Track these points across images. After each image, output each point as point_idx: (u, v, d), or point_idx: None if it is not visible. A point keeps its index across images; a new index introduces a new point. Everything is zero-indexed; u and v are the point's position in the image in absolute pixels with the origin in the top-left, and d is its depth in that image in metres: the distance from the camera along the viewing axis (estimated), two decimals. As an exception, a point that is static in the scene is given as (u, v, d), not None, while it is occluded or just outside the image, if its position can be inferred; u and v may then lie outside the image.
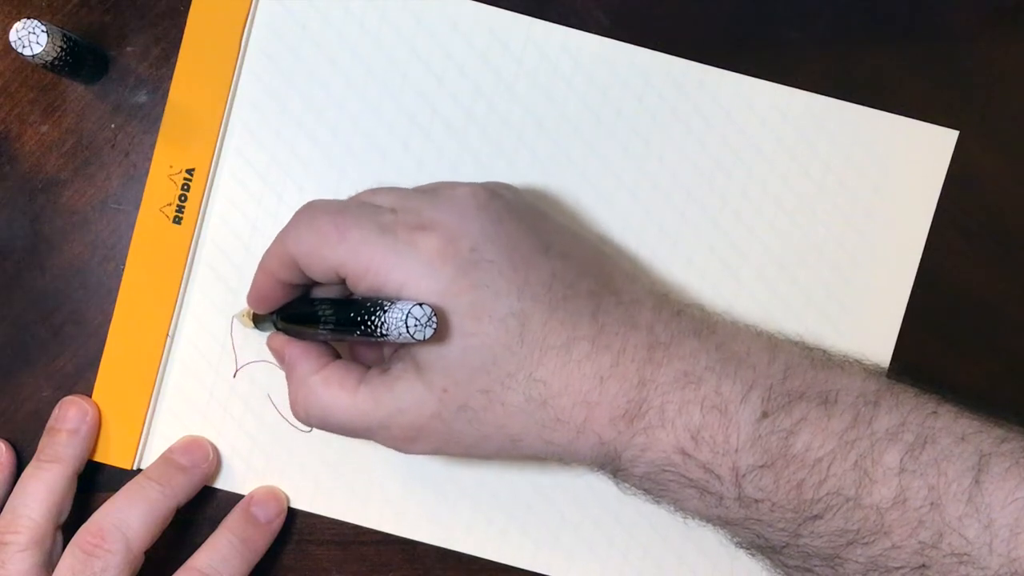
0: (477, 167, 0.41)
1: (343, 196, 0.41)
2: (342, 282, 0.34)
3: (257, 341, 0.41)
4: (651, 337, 0.34)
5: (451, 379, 0.33)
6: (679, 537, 0.42)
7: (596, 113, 0.41)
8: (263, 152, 0.41)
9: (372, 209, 0.34)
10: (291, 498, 0.42)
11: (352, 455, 0.42)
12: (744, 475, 0.33)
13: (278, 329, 0.38)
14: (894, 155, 0.42)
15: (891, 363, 0.42)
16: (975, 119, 0.42)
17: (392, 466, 0.42)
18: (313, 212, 0.34)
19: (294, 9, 0.41)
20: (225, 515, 0.41)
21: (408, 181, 0.41)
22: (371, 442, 0.41)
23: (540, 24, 0.41)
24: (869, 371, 0.35)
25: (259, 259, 0.36)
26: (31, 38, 0.36)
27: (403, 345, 0.34)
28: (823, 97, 0.41)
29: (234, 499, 0.41)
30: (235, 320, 0.41)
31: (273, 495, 0.41)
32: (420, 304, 0.31)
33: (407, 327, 0.30)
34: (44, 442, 0.40)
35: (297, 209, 0.35)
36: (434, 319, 0.31)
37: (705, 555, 0.42)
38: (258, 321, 0.40)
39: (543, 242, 0.35)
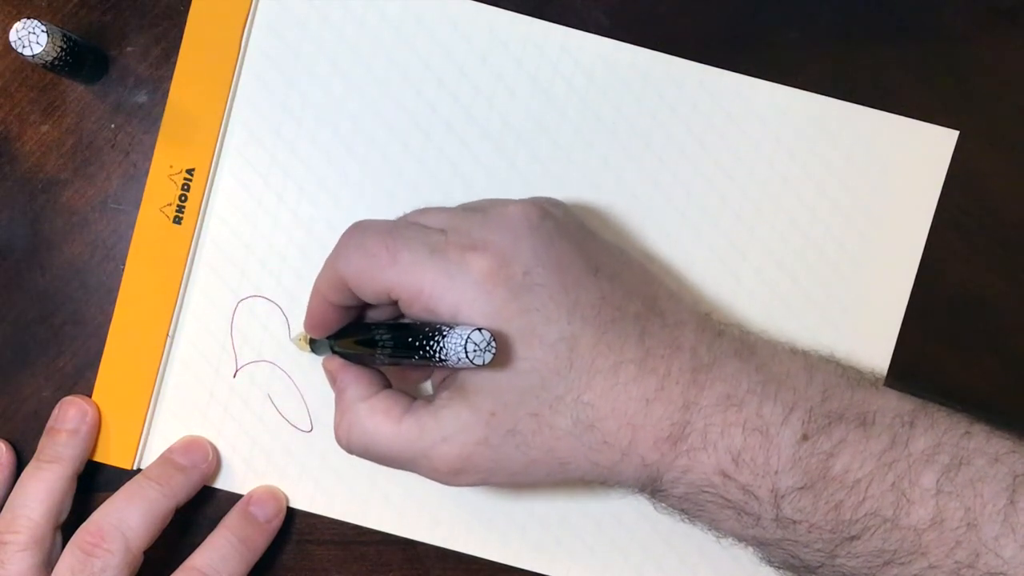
0: (477, 166, 0.41)
1: (343, 197, 0.41)
2: (394, 303, 0.34)
3: (257, 341, 0.41)
4: (695, 359, 0.34)
5: (500, 403, 0.33)
6: (680, 538, 0.42)
7: (596, 113, 0.41)
8: (263, 152, 0.41)
9: (422, 230, 0.34)
10: (291, 498, 0.42)
11: (352, 455, 0.42)
12: (783, 496, 0.33)
13: (334, 352, 0.38)
14: (894, 155, 0.42)
15: (891, 363, 0.41)
16: (975, 119, 0.42)
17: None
18: (363, 233, 0.34)
19: (294, 9, 0.41)
20: (225, 515, 0.41)
21: (408, 181, 0.41)
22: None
23: (540, 24, 0.41)
24: (901, 392, 0.36)
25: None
26: (31, 38, 0.36)
27: (459, 370, 0.34)
28: (823, 97, 0.41)
29: (234, 499, 0.41)
30: (294, 340, 0.41)
31: (272, 494, 0.41)
32: (479, 329, 0.30)
33: (466, 352, 0.30)
34: (44, 442, 0.40)
35: (345, 230, 0.35)
36: (493, 344, 0.31)
37: (706, 556, 0.42)
38: (315, 345, 0.40)
39: (592, 263, 0.35)
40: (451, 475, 0.34)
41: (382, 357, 0.34)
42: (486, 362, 0.30)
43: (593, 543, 0.42)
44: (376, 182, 0.41)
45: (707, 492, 0.34)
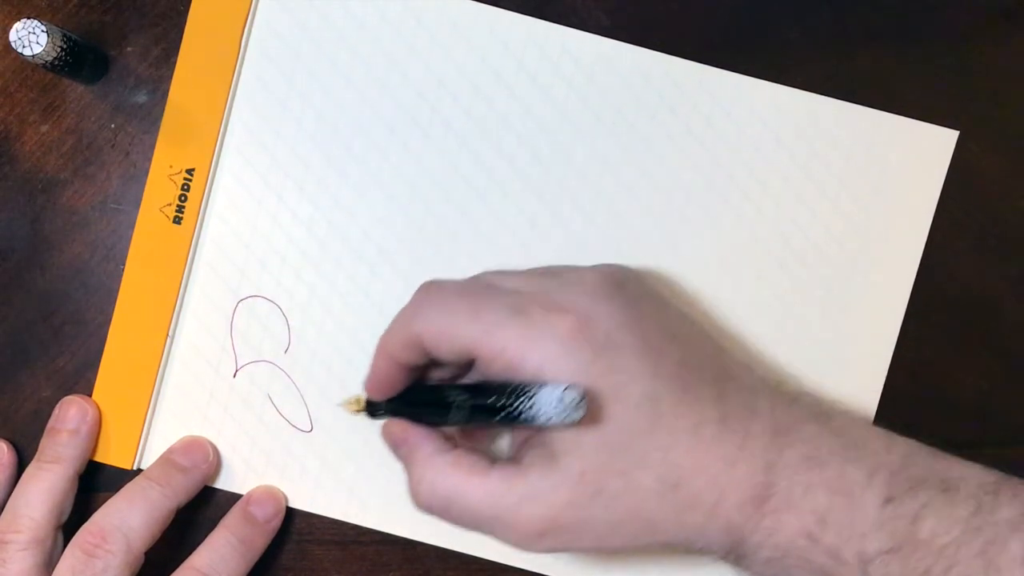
0: (477, 166, 0.41)
1: (343, 197, 0.41)
2: (467, 363, 0.34)
3: (257, 341, 0.41)
4: (773, 422, 0.34)
5: (588, 463, 0.33)
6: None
7: (596, 113, 0.41)
8: (263, 152, 0.41)
9: (500, 290, 0.34)
10: (291, 498, 0.42)
11: (352, 455, 0.42)
12: (870, 560, 0.33)
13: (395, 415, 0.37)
14: (894, 155, 0.41)
15: (891, 363, 0.41)
16: (975, 119, 0.42)
17: (392, 466, 0.42)
18: (443, 293, 0.34)
19: (294, 9, 0.41)
20: (224, 515, 0.41)
21: (408, 181, 0.41)
22: (371, 443, 0.41)
23: (540, 24, 0.41)
24: (984, 465, 0.35)
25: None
26: (31, 38, 0.36)
27: (541, 429, 0.33)
28: (823, 97, 0.41)
29: (234, 499, 0.41)
30: (344, 404, 0.38)
31: (271, 494, 0.41)
32: (570, 387, 0.30)
33: (558, 410, 0.30)
34: (45, 442, 0.40)
35: (418, 289, 0.35)
36: (584, 401, 0.30)
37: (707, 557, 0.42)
38: (372, 408, 0.38)
39: (669, 329, 0.35)
40: (535, 537, 0.33)
41: (457, 418, 0.34)
42: (576, 420, 0.30)
43: (593, 543, 0.42)
44: (376, 182, 0.41)
45: (792, 557, 0.33)
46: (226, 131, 0.41)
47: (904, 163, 0.42)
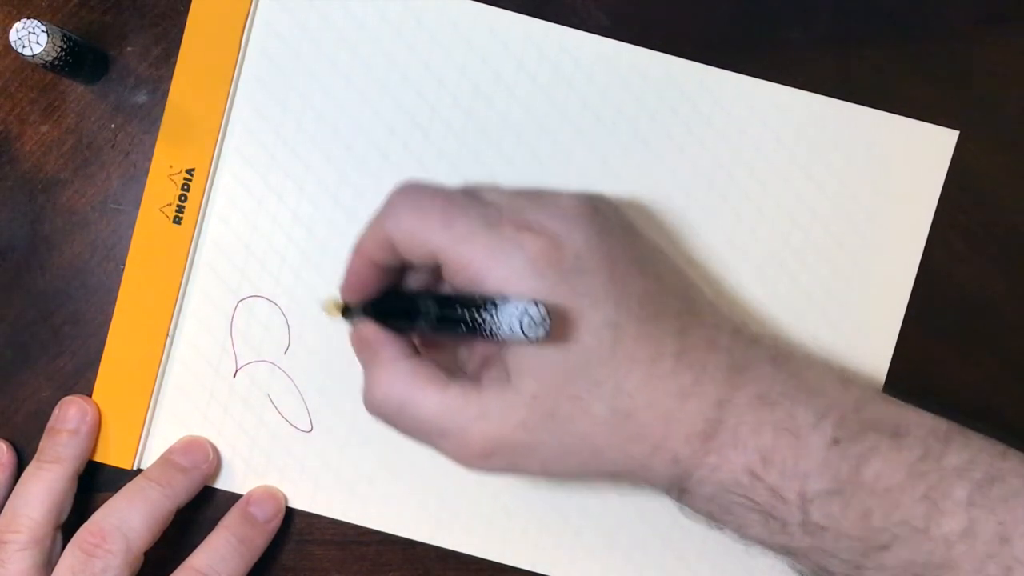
0: (477, 167, 0.41)
1: (343, 197, 0.41)
2: (437, 270, 0.34)
3: (257, 341, 0.41)
4: (731, 359, 0.34)
5: (543, 385, 0.33)
6: (681, 538, 0.42)
7: (596, 113, 0.41)
8: (263, 152, 0.41)
9: (477, 201, 0.34)
10: (291, 498, 0.42)
11: (352, 455, 0.42)
12: (811, 500, 0.33)
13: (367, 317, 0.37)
14: (894, 155, 0.41)
15: (891, 363, 0.41)
16: (975, 119, 0.42)
17: (392, 466, 0.42)
18: (418, 194, 0.34)
19: (294, 9, 0.41)
20: (224, 515, 0.41)
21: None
22: (371, 444, 0.41)
23: (540, 24, 0.41)
24: (937, 415, 0.35)
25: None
26: (31, 38, 0.36)
27: (504, 343, 0.33)
28: (823, 97, 0.41)
29: (234, 499, 0.41)
30: (323, 306, 0.39)
31: (271, 494, 0.41)
32: (536, 303, 0.30)
33: (521, 325, 0.30)
34: (44, 442, 0.40)
35: (394, 188, 0.34)
36: (548, 319, 0.30)
37: (707, 557, 0.42)
38: (348, 312, 0.38)
39: (639, 260, 0.35)
40: (482, 456, 0.33)
41: (424, 327, 0.34)
42: (539, 337, 0.30)
43: (593, 543, 0.42)
44: (376, 182, 0.41)
45: (734, 493, 0.34)
46: (226, 131, 0.41)
47: (904, 163, 0.42)
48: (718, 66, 0.41)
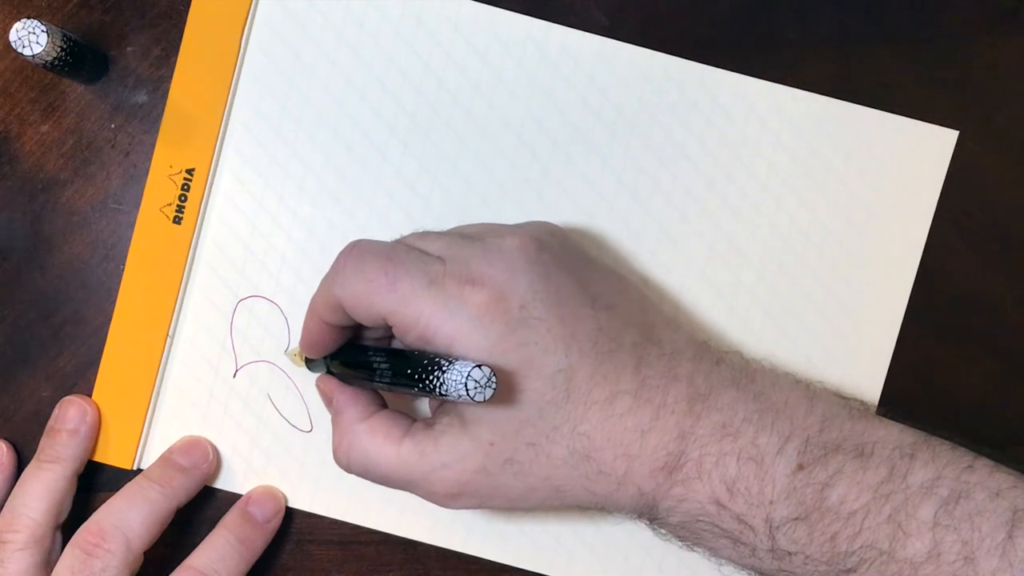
0: (477, 167, 0.41)
1: (343, 197, 0.41)
2: (389, 328, 0.34)
3: (257, 341, 0.41)
4: (691, 389, 0.34)
5: (498, 433, 0.33)
6: (679, 537, 0.42)
7: (596, 113, 0.41)
8: (263, 152, 0.41)
9: (421, 257, 0.34)
10: (291, 498, 0.42)
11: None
12: (778, 527, 0.33)
13: (330, 372, 0.38)
14: (894, 155, 0.41)
15: (891, 363, 0.41)
16: (975, 119, 0.42)
17: (392, 466, 0.42)
18: (361, 257, 0.34)
19: (294, 9, 0.41)
20: (224, 515, 0.41)
21: (408, 181, 0.41)
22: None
23: (540, 24, 0.41)
24: (904, 425, 0.35)
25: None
26: (31, 38, 0.36)
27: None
28: (823, 97, 0.41)
29: (233, 499, 0.41)
30: (289, 354, 0.41)
31: (270, 494, 0.41)
32: (479, 366, 0.30)
33: (467, 389, 0.30)
34: (44, 442, 0.40)
35: (343, 250, 0.35)
36: (493, 381, 0.30)
37: (706, 557, 0.41)
38: (310, 363, 0.40)
39: (589, 295, 0.35)
40: (449, 499, 0.34)
41: (380, 383, 0.35)
42: (487, 398, 0.30)
43: (593, 543, 0.42)
44: (376, 182, 0.41)
45: (702, 521, 0.34)
46: (226, 131, 0.41)
47: (904, 163, 0.42)
48: (718, 66, 0.41)
